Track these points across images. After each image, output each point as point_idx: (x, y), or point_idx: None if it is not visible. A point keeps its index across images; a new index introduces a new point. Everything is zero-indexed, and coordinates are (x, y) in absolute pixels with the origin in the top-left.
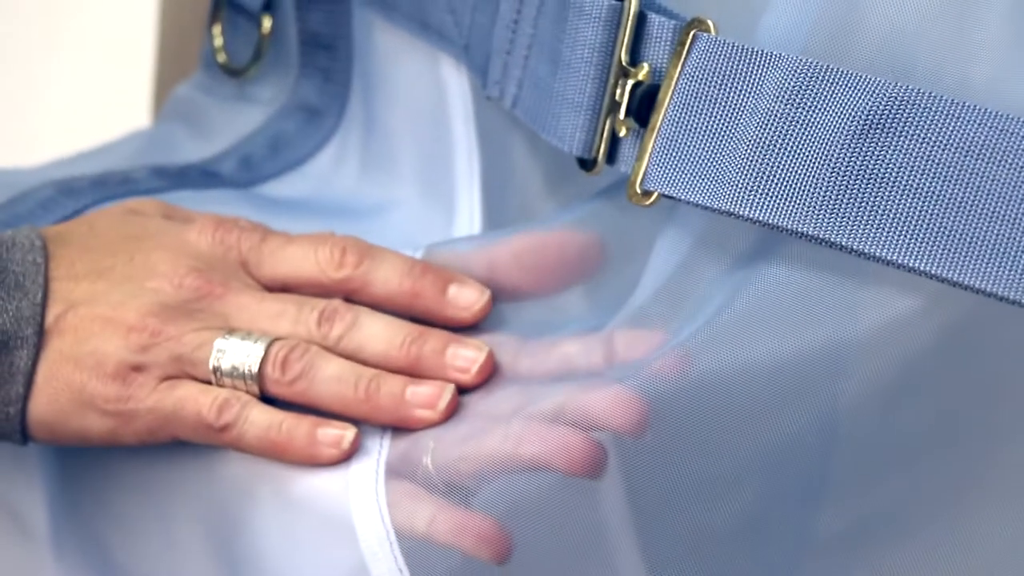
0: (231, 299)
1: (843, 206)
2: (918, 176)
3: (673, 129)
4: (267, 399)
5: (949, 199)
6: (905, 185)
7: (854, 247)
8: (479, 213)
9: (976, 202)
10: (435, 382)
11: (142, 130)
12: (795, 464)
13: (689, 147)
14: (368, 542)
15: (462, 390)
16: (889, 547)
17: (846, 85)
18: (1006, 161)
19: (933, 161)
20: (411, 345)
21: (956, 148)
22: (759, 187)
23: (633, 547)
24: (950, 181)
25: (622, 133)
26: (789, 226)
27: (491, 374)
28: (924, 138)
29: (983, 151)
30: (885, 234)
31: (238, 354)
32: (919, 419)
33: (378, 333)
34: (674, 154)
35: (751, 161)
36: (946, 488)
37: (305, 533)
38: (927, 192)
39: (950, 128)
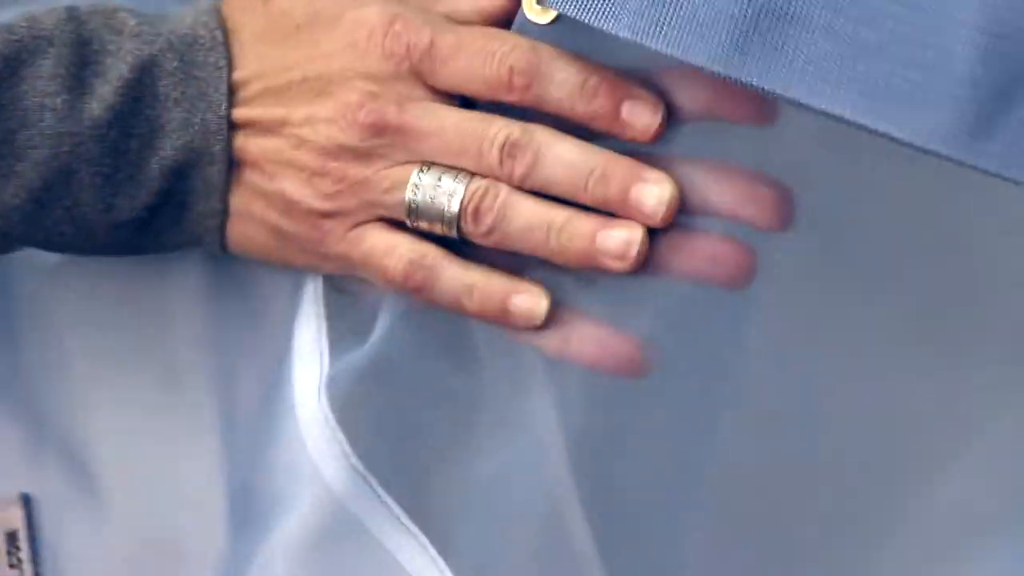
0: (408, 129)
1: (750, 44)
2: (829, 16)
3: None
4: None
5: (862, 42)
6: (816, 25)
7: (765, 87)
8: None
9: (890, 45)
10: (623, 228)
11: None
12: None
13: None
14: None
15: None
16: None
17: None
18: (922, 4)
19: (845, 1)
20: (595, 187)
21: None
22: (663, 18)
23: None
24: (862, 23)
25: None
26: (694, 61)
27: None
28: None
29: None
30: (795, 75)
31: (432, 198)
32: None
33: (560, 172)
34: None
35: None
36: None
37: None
38: (839, 33)
39: None
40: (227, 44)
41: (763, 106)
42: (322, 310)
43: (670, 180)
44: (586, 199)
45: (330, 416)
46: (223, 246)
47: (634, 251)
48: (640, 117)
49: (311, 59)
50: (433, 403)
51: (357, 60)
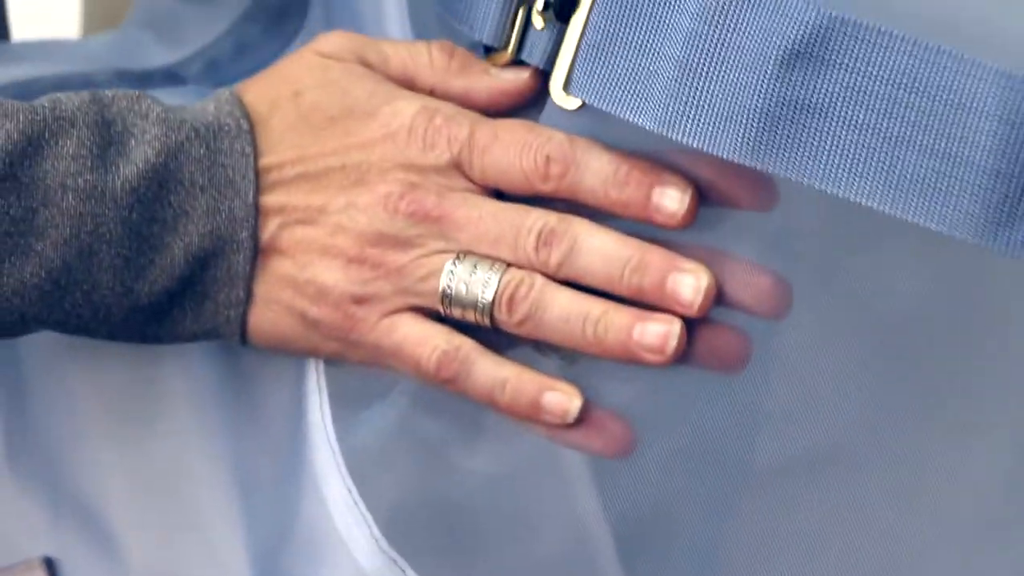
0: (448, 219)
1: (774, 135)
2: (850, 108)
3: (598, 37)
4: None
5: (884, 132)
6: (837, 117)
7: (791, 178)
8: None
9: (911, 136)
10: (661, 322)
11: (110, 33)
12: (729, 397)
13: (615, 58)
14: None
15: None
16: (835, 480)
17: (768, 11)
18: (940, 96)
19: (864, 93)
20: (631, 277)
21: (887, 80)
22: (687, 110)
23: None
24: (883, 114)
25: (539, 26)
26: (719, 152)
27: (714, 301)
28: (853, 68)
29: (915, 84)
30: (819, 165)
31: (466, 286)
32: (855, 349)
33: (596, 262)
34: (601, 63)
35: (677, 82)
36: (894, 417)
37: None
38: (861, 124)
39: (879, 59)
40: (252, 132)
41: (764, 191)
42: (324, 382)
43: (706, 270)
44: (622, 290)
45: (353, 490)
46: (243, 337)
47: (672, 344)
48: (668, 204)
49: (348, 148)
50: (457, 481)
51: (396, 151)
